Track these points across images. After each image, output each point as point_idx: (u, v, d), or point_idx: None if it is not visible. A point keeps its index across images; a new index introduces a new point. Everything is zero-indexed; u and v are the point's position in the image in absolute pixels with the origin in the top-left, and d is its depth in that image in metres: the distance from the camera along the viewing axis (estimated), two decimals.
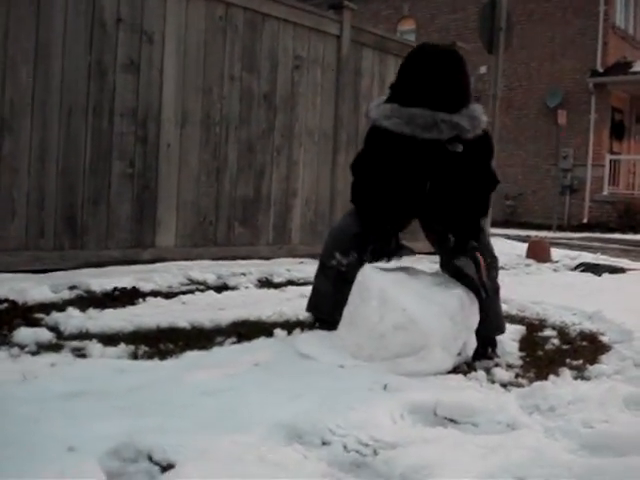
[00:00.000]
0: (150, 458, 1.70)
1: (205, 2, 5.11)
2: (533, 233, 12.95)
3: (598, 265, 6.92)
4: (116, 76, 4.61)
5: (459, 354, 2.64)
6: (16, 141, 4.17)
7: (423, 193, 2.92)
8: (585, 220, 17.65)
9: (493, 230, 10.41)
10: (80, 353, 2.60)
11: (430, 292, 2.66)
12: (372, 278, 2.66)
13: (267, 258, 5.47)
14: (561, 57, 18.16)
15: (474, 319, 2.73)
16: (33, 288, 3.65)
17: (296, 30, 5.73)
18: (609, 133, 18.21)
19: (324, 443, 1.88)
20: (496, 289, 2.98)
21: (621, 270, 6.66)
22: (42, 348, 2.64)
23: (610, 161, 18.02)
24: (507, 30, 9.81)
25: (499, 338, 3.10)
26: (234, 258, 5.23)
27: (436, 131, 2.70)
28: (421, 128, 2.70)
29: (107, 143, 4.58)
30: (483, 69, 17.72)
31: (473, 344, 2.80)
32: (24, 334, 2.76)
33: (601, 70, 17.76)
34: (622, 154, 18.98)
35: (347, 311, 2.72)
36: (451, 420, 2.12)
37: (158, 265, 4.64)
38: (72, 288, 3.82)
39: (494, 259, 2.99)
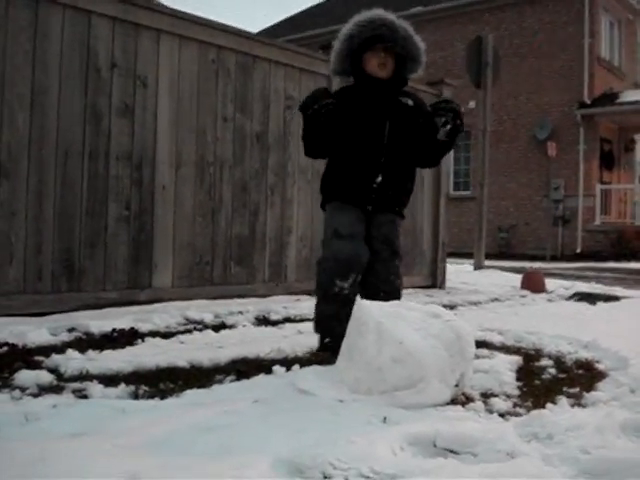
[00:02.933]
0: None
1: (197, 45, 5.20)
2: (527, 264, 13.00)
3: (592, 294, 6.97)
4: (111, 120, 4.69)
5: (456, 385, 2.66)
6: (13, 185, 4.22)
7: (383, 135, 3.32)
8: (578, 250, 17.73)
9: (487, 262, 10.47)
10: (81, 394, 2.61)
11: (426, 324, 2.69)
12: (369, 312, 2.69)
13: (263, 296, 5.50)
14: (549, 90, 18.41)
15: (470, 350, 2.76)
16: (32, 331, 3.67)
17: (287, 71, 5.83)
18: (599, 163, 18.40)
19: (326, 477, 1.90)
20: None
21: (615, 298, 6.71)
22: (43, 390, 2.65)
23: (601, 191, 18.18)
24: (494, 65, 9.99)
25: (496, 369, 3.16)
26: (231, 297, 5.26)
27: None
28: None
29: (103, 186, 4.64)
30: (472, 104, 17.93)
31: (470, 375, 2.83)
32: (25, 376, 2.78)
33: (588, 102, 18.01)
34: (612, 183, 19.16)
35: (345, 345, 2.75)
36: (451, 451, 2.14)
37: (155, 306, 4.66)
38: (71, 330, 3.84)
39: None
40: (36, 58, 4.32)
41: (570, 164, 17.90)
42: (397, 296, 3.34)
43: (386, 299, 3.10)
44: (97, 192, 4.61)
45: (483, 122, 10.28)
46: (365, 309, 2.70)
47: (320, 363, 3.09)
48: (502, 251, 17.58)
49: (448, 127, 3.27)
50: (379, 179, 3.27)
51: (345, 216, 3.30)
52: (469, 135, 19.20)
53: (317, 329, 3.41)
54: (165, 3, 7.26)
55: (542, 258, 15.71)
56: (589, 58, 18.03)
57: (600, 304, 6.34)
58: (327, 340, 3.18)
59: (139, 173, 4.85)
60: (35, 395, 2.57)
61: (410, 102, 3.41)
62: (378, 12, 3.31)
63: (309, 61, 6.00)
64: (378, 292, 3.28)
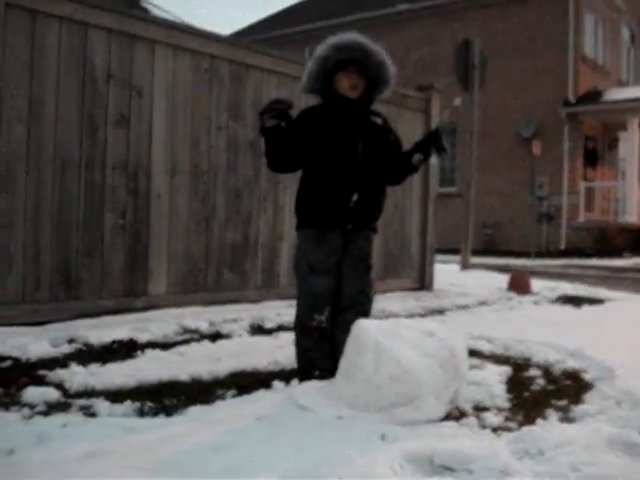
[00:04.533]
0: None
1: (191, 55, 5.27)
2: (512, 261, 13.18)
3: (577, 297, 7.12)
4: (107, 130, 4.75)
5: (451, 402, 2.77)
6: (12, 196, 4.27)
7: (357, 153, 3.39)
8: (562, 247, 17.92)
9: (473, 259, 10.59)
10: (89, 412, 2.70)
11: (422, 343, 2.80)
12: (367, 331, 2.79)
13: (256, 302, 5.58)
14: (534, 88, 18.52)
15: (464, 366, 2.87)
16: (33, 343, 3.73)
17: (280, 79, 5.91)
18: (583, 161, 18.58)
19: None
20: None
21: (599, 301, 6.85)
22: (51, 407, 2.74)
23: (585, 188, 18.37)
24: (481, 68, 10.11)
25: (488, 382, 3.28)
26: (224, 303, 5.34)
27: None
28: None
29: (100, 196, 4.70)
30: (457, 101, 18.05)
31: (464, 391, 2.94)
32: (32, 393, 2.86)
33: (573, 100, 18.16)
34: (596, 181, 19.35)
35: (344, 363, 2.85)
36: (447, 468, 2.25)
37: (151, 313, 4.73)
38: (71, 341, 3.90)
39: None
40: (33, 70, 4.37)
41: (554, 162, 18.05)
42: (370, 305, 3.55)
43: (361, 309, 3.40)
44: (94, 202, 4.67)
45: (470, 124, 10.39)
46: (364, 328, 2.80)
47: (316, 378, 3.18)
48: (487, 247, 17.71)
49: (430, 160, 3.60)
50: (355, 197, 3.37)
51: (321, 250, 3.37)
52: (455, 132, 19.32)
53: (301, 363, 3.41)
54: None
55: (527, 254, 15.88)
56: (574, 56, 18.17)
57: (585, 307, 6.49)
58: (317, 373, 3.25)
59: (135, 182, 4.92)
60: (44, 414, 2.65)
61: (379, 121, 3.53)
62: (354, 36, 3.40)
63: (300, 69, 6.06)
64: (354, 304, 3.43)
